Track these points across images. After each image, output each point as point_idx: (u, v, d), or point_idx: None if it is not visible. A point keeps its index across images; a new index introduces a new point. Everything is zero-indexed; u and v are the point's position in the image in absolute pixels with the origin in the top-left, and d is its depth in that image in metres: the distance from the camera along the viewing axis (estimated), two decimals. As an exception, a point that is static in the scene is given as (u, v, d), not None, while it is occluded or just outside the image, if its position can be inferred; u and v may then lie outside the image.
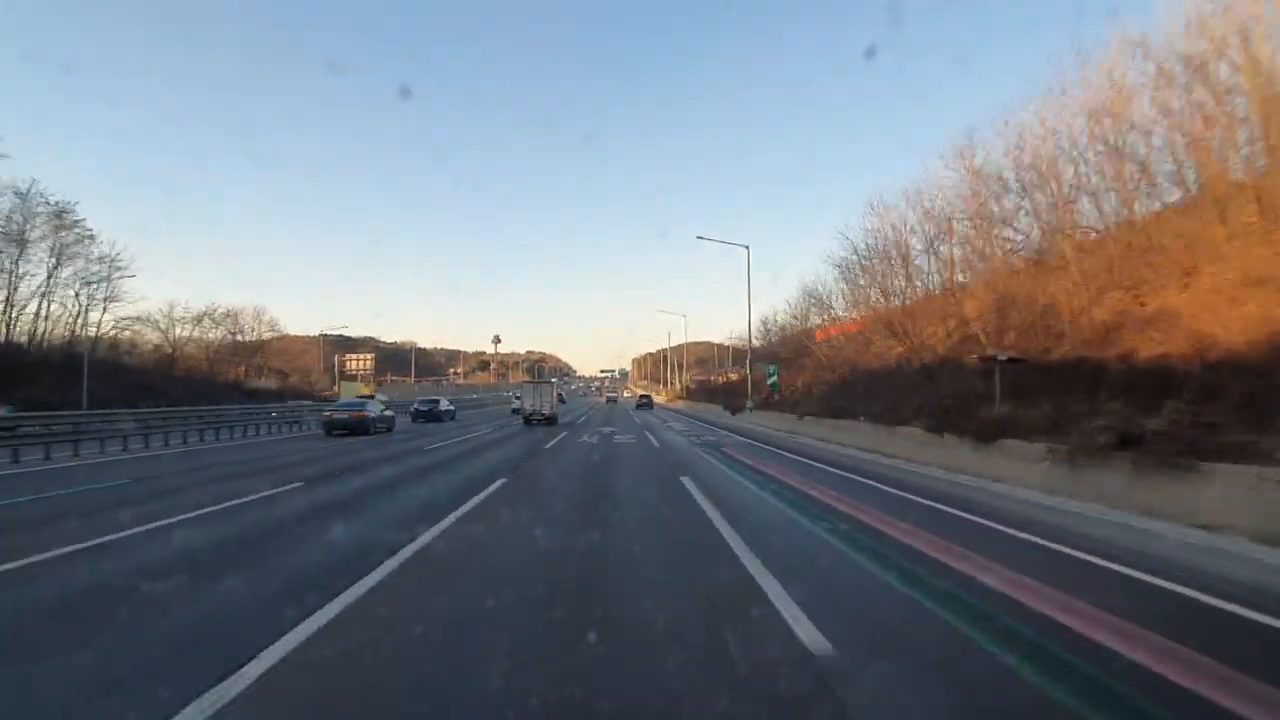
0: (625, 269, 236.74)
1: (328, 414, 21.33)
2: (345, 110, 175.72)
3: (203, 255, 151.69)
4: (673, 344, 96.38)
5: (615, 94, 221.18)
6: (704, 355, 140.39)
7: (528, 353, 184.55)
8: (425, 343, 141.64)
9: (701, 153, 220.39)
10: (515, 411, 31.47)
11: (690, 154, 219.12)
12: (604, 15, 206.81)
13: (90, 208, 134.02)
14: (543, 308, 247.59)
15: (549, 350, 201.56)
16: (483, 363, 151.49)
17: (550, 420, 25.31)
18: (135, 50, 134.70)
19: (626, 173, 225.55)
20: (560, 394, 39.51)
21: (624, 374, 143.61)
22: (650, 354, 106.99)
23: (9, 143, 44.18)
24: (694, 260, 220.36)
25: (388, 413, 23.65)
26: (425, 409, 28.69)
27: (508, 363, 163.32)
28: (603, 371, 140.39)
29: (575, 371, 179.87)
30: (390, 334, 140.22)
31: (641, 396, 62.14)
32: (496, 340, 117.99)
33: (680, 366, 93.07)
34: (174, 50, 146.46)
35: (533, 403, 25.94)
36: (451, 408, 31.16)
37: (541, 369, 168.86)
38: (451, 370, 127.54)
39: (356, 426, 20.57)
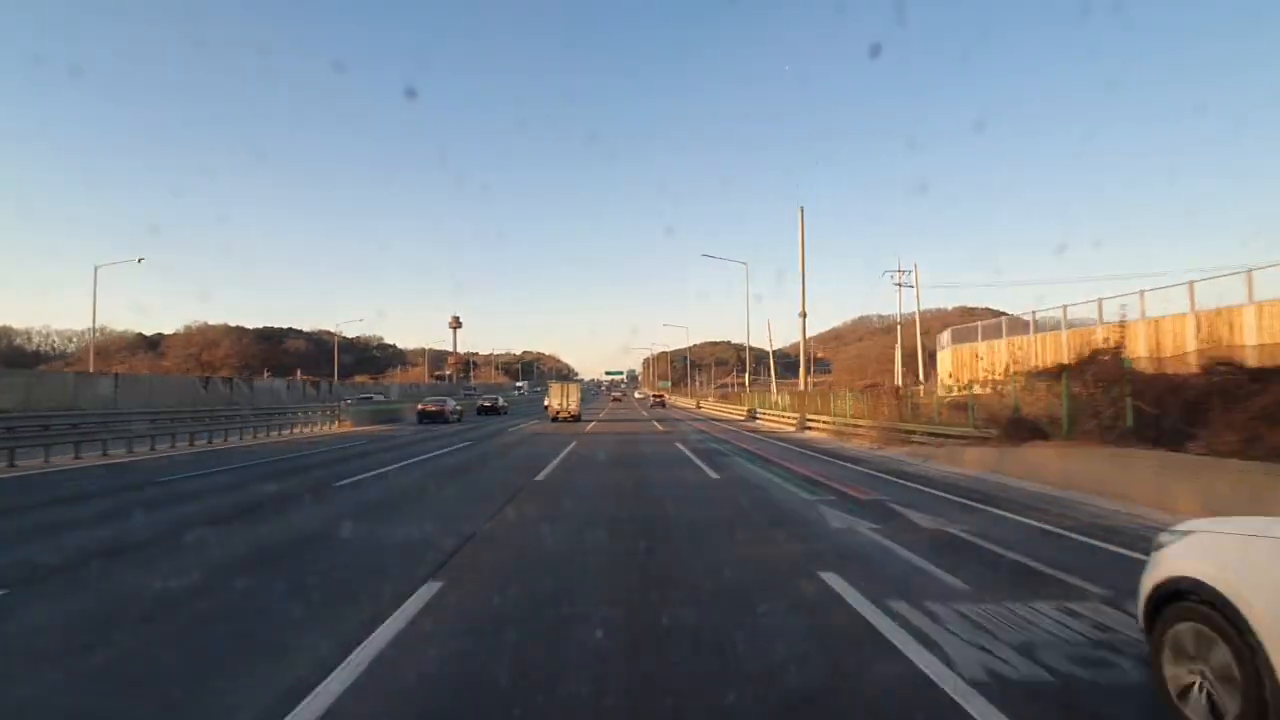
0: (631, 268, 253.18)
1: (420, 407, 31.56)
2: (350, 110, 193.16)
3: (206, 254, 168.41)
4: (687, 345, 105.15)
5: (620, 93, 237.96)
6: (723, 356, 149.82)
7: (524, 352, 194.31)
8: (412, 343, 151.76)
9: (706, 151, 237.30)
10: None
11: (695, 153, 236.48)
12: (608, 15, 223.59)
13: (91, 207, 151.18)
14: (543, 307, 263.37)
15: (548, 350, 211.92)
16: (468, 362, 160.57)
17: (576, 418, 32.46)
18: (140, 50, 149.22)
19: (631, 172, 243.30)
20: (582, 395, 48.49)
21: (633, 376, 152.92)
22: (665, 352, 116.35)
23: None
24: (698, 261, 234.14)
25: (459, 407, 34.08)
26: (489, 404, 39.87)
27: (497, 363, 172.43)
28: (608, 373, 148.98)
29: (576, 373, 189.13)
30: (391, 335, 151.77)
31: (655, 396, 70.61)
32: (455, 325, 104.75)
33: (698, 366, 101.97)
34: (179, 49, 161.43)
35: (560, 402, 33.76)
36: (506, 404, 41.75)
37: (539, 370, 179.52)
38: (443, 373, 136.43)
39: (437, 417, 30.81)
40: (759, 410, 34.73)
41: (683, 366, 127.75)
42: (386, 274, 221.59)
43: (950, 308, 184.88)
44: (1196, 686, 2.58)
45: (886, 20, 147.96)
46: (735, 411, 40.87)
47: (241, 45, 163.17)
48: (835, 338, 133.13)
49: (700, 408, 58.79)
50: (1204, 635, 2.55)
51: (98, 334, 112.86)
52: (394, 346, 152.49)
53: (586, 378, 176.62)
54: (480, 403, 40.81)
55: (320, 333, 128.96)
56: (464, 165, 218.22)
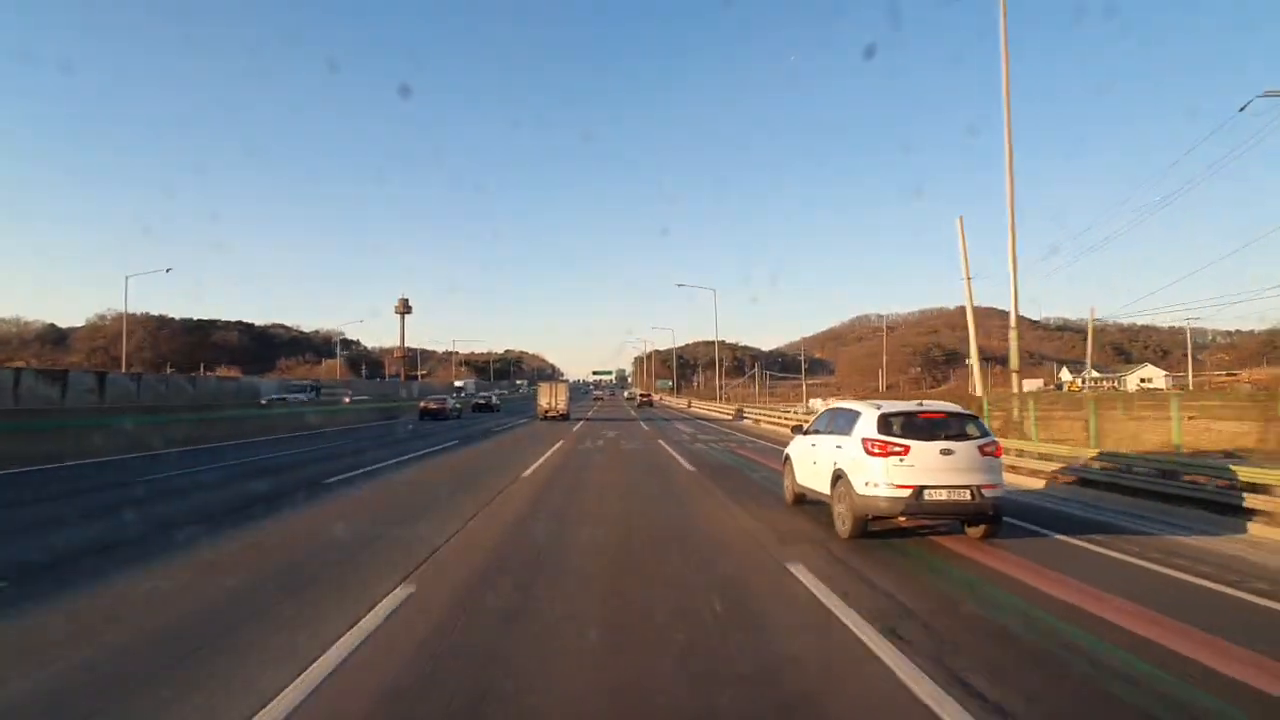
0: (623, 270, 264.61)
1: (422, 405, 34.97)
2: (344, 108, 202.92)
3: (202, 254, 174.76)
4: (679, 344, 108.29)
5: (615, 94, 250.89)
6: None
7: (506, 351, 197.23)
8: (388, 341, 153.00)
9: (700, 152, 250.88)
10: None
11: (689, 154, 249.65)
12: (604, 15, 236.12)
13: (89, 207, 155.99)
14: (530, 307, 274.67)
15: (533, 349, 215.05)
16: (446, 361, 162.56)
17: (565, 416, 35.75)
18: (133, 49, 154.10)
19: (625, 172, 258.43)
20: (571, 394, 51.71)
21: (623, 377, 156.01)
22: (657, 351, 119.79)
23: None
24: (695, 260, 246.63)
25: (457, 405, 37.80)
26: (482, 401, 43.97)
27: (460, 360, 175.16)
28: (595, 373, 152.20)
29: (562, 373, 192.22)
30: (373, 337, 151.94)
31: (641, 395, 73.33)
32: (403, 309, 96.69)
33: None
34: (172, 48, 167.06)
35: (549, 401, 37.25)
36: (499, 401, 45.34)
37: (515, 369, 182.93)
38: (423, 372, 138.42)
39: (439, 414, 34.15)
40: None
41: (688, 365, 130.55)
42: (375, 273, 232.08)
43: (952, 307, 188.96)
44: (788, 481, 9.20)
45: (880, 23, 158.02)
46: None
47: (235, 44, 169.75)
48: (833, 338, 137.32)
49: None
50: (789, 466, 9.21)
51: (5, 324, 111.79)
52: (358, 343, 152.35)
53: (573, 378, 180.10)
54: (475, 401, 45.16)
55: (274, 326, 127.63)
56: (458, 165, 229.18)
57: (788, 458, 9.16)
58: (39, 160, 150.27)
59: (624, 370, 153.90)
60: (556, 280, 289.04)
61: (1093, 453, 10.40)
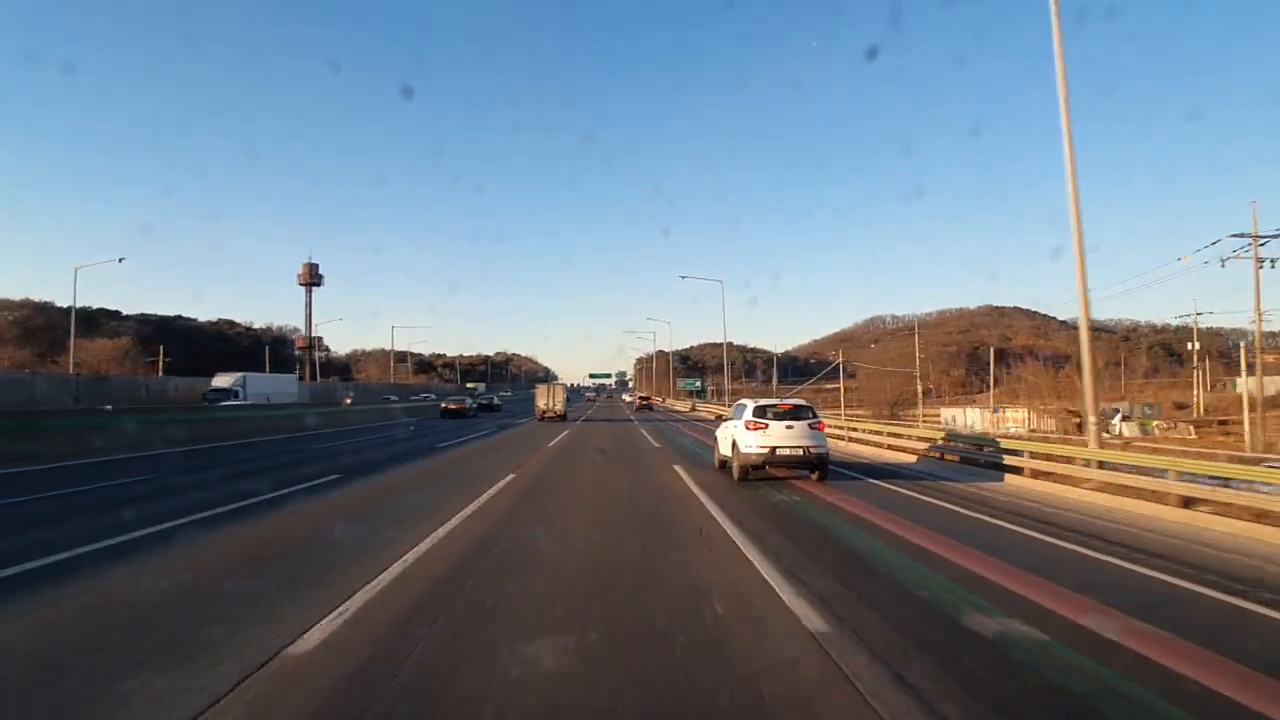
0: (624, 272, 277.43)
1: (443, 405, 41.54)
2: (346, 110, 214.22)
3: (201, 256, 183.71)
4: (682, 346, 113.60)
5: (616, 95, 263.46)
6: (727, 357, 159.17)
7: (497, 353, 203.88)
8: (369, 343, 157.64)
9: (701, 154, 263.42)
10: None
11: (691, 155, 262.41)
12: (605, 17, 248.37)
13: (86, 207, 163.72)
14: (527, 308, 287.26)
15: (526, 351, 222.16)
16: (423, 364, 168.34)
17: (562, 417, 40.92)
18: (134, 49, 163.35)
19: (625, 175, 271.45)
20: (568, 396, 57.24)
21: (623, 380, 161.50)
22: (663, 351, 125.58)
23: None
24: (697, 263, 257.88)
25: (473, 404, 44.34)
26: (485, 402, 50.74)
27: (458, 364, 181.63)
28: (592, 376, 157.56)
29: (555, 376, 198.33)
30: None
31: (641, 398, 78.22)
32: (309, 280, 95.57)
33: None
34: (173, 48, 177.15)
35: (546, 402, 42.70)
36: (500, 402, 51.93)
37: (507, 371, 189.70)
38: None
39: (457, 413, 40.80)
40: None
41: (695, 368, 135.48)
42: (367, 272, 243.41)
43: (973, 307, 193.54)
44: (716, 453, 15.99)
45: (882, 25, 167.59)
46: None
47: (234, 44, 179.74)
48: (846, 339, 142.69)
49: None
50: (716, 444, 16.04)
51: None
52: (320, 340, 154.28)
53: (570, 382, 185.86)
54: (479, 402, 51.45)
55: (220, 322, 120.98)
56: (457, 165, 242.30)
57: (716, 438, 15.42)
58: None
59: (624, 373, 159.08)
60: (555, 282, 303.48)
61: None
